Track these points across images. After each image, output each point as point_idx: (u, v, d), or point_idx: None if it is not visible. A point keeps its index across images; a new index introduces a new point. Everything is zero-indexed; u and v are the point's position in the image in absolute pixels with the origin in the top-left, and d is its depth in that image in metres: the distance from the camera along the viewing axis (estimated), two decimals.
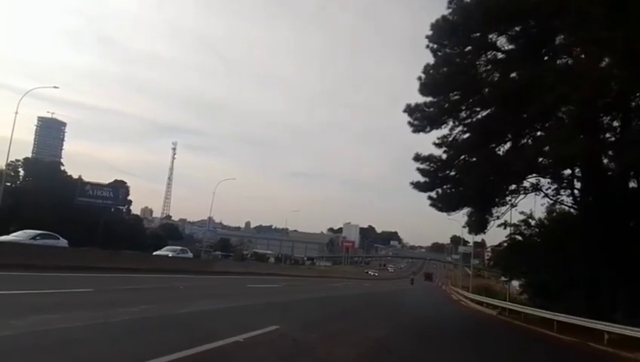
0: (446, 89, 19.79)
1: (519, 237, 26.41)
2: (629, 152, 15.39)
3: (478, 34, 18.85)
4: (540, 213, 26.65)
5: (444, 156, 21.17)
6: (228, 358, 6.38)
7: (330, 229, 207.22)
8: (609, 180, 18.91)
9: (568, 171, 21.18)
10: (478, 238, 54.34)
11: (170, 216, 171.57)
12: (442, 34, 19.31)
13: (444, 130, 20.99)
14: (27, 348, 5.39)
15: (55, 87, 37.07)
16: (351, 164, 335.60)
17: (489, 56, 19.61)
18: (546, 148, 17.38)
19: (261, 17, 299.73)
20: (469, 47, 19.44)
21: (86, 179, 60.48)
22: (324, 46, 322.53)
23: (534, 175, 21.23)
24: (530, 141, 19.60)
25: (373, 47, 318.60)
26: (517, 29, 18.49)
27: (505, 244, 27.94)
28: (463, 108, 20.53)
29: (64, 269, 16.75)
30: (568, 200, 22.25)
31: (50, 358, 5.20)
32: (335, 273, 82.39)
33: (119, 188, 60.82)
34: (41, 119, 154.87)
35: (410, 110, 20.63)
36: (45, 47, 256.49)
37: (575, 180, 21.37)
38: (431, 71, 19.78)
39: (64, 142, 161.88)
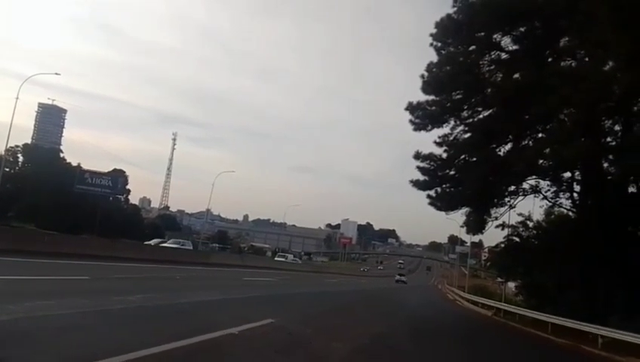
0: (449, 88, 19.74)
1: (517, 239, 26.40)
2: (629, 157, 15.39)
3: (482, 33, 18.78)
4: (538, 215, 26.72)
5: (445, 155, 21.18)
6: (222, 350, 6.36)
7: (328, 225, 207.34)
8: (609, 184, 18.91)
9: (568, 174, 21.22)
10: (476, 238, 54.30)
11: (169, 207, 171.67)
12: (447, 32, 19.24)
13: (445, 129, 21.03)
14: (21, 333, 5.37)
15: (57, 74, 36.96)
16: (351, 161, 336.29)
17: (493, 56, 19.54)
18: (547, 150, 17.38)
19: (265, 11, 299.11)
20: (473, 47, 19.38)
21: (85, 167, 60.29)
22: (327, 41, 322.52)
23: (534, 177, 21.29)
24: (531, 142, 19.58)
25: (377, 43, 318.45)
26: (522, 29, 18.42)
27: (502, 245, 27.95)
28: (465, 107, 20.51)
29: (62, 256, 16.75)
30: (567, 203, 22.33)
31: (44, 344, 5.18)
32: (331, 268, 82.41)
33: (118, 177, 60.66)
34: (41, 105, 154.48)
35: (412, 108, 20.60)
36: (49, 34, 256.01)
37: (575, 183, 21.42)
38: (434, 69, 19.72)
39: (64, 130, 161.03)
